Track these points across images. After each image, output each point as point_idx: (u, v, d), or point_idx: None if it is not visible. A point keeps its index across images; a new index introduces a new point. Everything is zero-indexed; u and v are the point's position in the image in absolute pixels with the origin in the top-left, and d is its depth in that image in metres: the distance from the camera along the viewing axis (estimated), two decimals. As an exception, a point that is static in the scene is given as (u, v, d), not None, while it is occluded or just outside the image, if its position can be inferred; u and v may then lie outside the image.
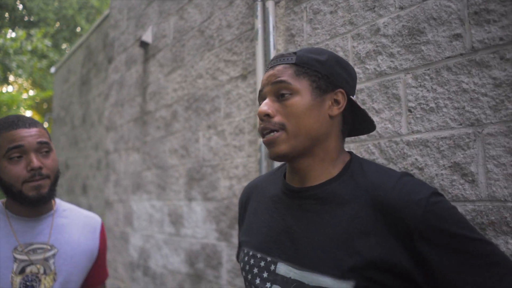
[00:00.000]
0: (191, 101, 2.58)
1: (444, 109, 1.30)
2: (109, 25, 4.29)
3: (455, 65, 1.28)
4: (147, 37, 3.01)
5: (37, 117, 14.89)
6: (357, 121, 0.94)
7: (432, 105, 1.33)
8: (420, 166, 1.37)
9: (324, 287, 0.76)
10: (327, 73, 0.86)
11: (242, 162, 2.14)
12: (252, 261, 0.91)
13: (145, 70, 3.18)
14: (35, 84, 15.48)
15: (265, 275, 0.87)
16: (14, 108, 9.02)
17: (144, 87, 3.18)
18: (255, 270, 0.89)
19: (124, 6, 3.67)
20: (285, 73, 0.85)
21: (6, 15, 13.63)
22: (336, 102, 0.87)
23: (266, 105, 0.85)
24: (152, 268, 2.96)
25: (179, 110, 2.70)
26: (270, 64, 0.90)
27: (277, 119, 0.84)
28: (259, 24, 1.97)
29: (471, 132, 1.23)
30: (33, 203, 1.19)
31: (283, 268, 0.84)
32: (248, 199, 1.05)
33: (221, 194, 2.29)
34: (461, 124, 1.26)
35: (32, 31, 9.65)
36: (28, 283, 1.21)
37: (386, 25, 1.47)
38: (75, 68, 7.51)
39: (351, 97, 0.89)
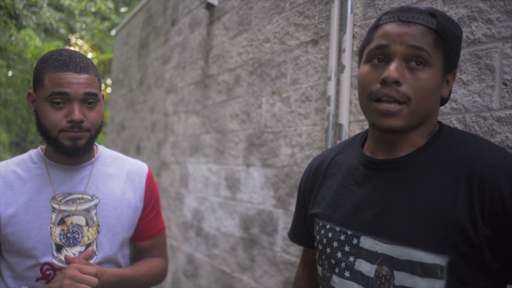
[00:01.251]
0: (256, 65, 2.54)
1: (548, 83, 1.18)
2: (172, -12, 4.29)
3: None
4: (213, -1, 2.97)
5: (95, 79, 15.47)
6: None
7: (534, 78, 1.21)
8: (511, 145, 1.26)
9: (417, 261, 0.72)
10: (457, 52, 0.79)
11: (307, 130, 2.09)
12: (330, 234, 0.88)
13: (209, 33, 3.16)
14: (94, 47, 16.04)
15: (347, 248, 0.84)
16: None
17: (208, 50, 3.17)
18: (335, 244, 0.86)
19: (190, -32, 3.64)
20: (425, 39, 0.74)
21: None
22: (447, 83, 0.81)
23: (397, 70, 0.74)
24: (205, 230, 3.03)
25: (242, 75, 2.68)
26: (402, 17, 0.76)
27: (405, 89, 0.74)
28: (336, -15, 1.87)
29: None
30: (68, 153, 1.10)
31: (368, 242, 0.80)
32: (316, 172, 1.00)
33: (281, 161, 2.26)
34: None
35: (96, -7, 9.93)
36: (69, 235, 1.14)
37: (486, -12, 1.34)
38: (135, 32, 7.66)
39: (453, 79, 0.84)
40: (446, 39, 0.76)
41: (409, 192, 0.78)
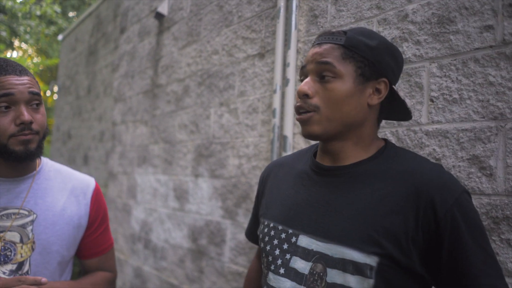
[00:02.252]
0: (205, 76, 2.56)
1: (468, 101, 1.29)
2: (122, -5, 4.23)
3: (483, 57, 1.26)
4: (163, 8, 2.97)
5: (41, 85, 14.82)
6: (394, 108, 0.93)
7: (456, 96, 1.32)
8: (437, 157, 1.36)
9: (348, 259, 0.77)
10: (375, 60, 0.84)
11: (254, 142, 2.14)
12: (272, 233, 0.92)
13: (158, 42, 3.15)
14: (39, 51, 15.35)
15: (285, 246, 0.88)
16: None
17: (157, 60, 3.15)
18: (275, 241, 0.90)
19: (140, -24, 3.61)
20: (332, 54, 0.83)
21: (15, -22, 13.43)
22: (378, 91, 0.86)
23: (306, 85, 0.84)
24: (153, 242, 2.98)
25: (191, 85, 2.69)
26: (317, 41, 0.88)
27: (313, 100, 0.83)
28: (281, 2, 1.94)
29: (494, 126, 1.22)
30: (19, 159, 1.05)
31: (304, 240, 0.85)
32: (270, 175, 1.05)
33: (229, 172, 2.29)
34: (484, 117, 1.25)
35: (42, -4, 9.53)
36: (1, 252, 1.07)
37: (415, 12, 1.44)
38: (83, 37, 7.44)
39: (393, 86, 0.88)
40: (356, 51, 0.83)
41: (349, 196, 0.83)
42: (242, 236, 2.16)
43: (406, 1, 1.48)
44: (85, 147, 6.70)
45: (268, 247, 0.91)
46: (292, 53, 1.88)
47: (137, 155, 3.34)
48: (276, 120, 1.92)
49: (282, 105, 1.93)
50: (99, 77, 6.40)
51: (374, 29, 1.57)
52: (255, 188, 2.10)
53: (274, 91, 1.95)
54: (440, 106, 1.36)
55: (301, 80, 0.89)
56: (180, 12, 2.89)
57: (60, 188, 1.20)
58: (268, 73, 2.08)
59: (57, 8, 8.92)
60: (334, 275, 0.78)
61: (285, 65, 1.93)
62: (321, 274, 0.80)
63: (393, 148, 0.89)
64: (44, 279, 1.01)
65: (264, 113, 2.09)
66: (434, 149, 1.37)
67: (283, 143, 1.89)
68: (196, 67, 2.65)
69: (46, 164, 1.23)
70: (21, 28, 9.40)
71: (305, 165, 0.95)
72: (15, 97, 1.02)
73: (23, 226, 1.11)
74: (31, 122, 1.03)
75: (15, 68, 1.05)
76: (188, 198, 2.63)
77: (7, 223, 1.09)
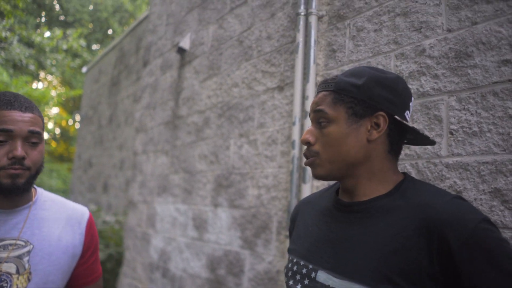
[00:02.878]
0: (225, 108, 2.62)
1: (488, 134, 1.30)
2: (146, 29, 4.40)
3: (502, 90, 1.28)
4: (185, 43, 3.08)
5: (64, 115, 15.27)
6: (411, 136, 0.94)
7: (475, 129, 1.33)
8: (458, 190, 1.36)
9: None
10: (364, 97, 0.87)
11: (273, 172, 2.16)
12: (295, 268, 0.94)
13: (180, 75, 3.25)
14: (64, 82, 15.89)
15: (306, 281, 0.90)
16: (43, 103, 9.28)
17: (178, 92, 3.24)
18: (298, 277, 0.92)
19: (163, 12, 3.77)
20: (324, 102, 0.90)
21: (43, 14, 14.11)
22: (377, 125, 0.87)
23: (308, 133, 0.91)
24: (172, 271, 2.99)
25: (211, 117, 2.75)
26: (317, 89, 0.95)
27: (315, 147, 0.90)
28: (300, 37, 2.00)
29: (515, 159, 1.22)
30: (5, 192, 1.07)
31: (323, 276, 0.87)
32: (298, 212, 1.08)
33: (248, 202, 2.30)
34: (504, 150, 1.25)
35: (68, 31, 9.95)
36: None
37: (432, 47, 1.48)
38: (106, 69, 7.71)
39: (396, 117, 0.88)
40: (344, 93, 0.88)
41: (364, 232, 0.85)
42: (260, 267, 2.15)
43: (423, 36, 1.52)
44: (106, 175, 6.82)
45: (291, 282, 0.94)
46: (311, 86, 1.93)
47: (157, 185, 3.39)
48: (295, 152, 1.95)
49: (301, 137, 1.96)
50: (120, 107, 6.58)
51: (392, 63, 1.61)
52: (274, 218, 2.11)
53: (293, 123, 1.98)
54: (460, 139, 1.37)
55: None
56: (201, 46, 2.99)
57: (56, 218, 1.21)
58: (287, 105, 2.12)
59: (83, 42, 9.32)
60: None
61: (304, 97, 1.97)
62: None
63: (411, 181, 0.89)
64: None
65: (283, 144, 2.12)
66: (455, 182, 1.37)
67: (302, 174, 1.91)
68: (216, 99, 2.72)
69: (42, 194, 1.25)
70: (48, 62, 9.80)
71: (329, 201, 0.98)
72: (13, 133, 1.05)
73: (20, 257, 1.11)
74: (23, 158, 1.05)
75: (22, 104, 1.09)
76: (207, 228, 2.65)
77: (4, 254, 1.09)
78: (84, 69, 9.41)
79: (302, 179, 1.90)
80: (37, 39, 7.99)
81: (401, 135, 0.91)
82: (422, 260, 0.76)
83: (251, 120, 2.37)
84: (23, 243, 1.13)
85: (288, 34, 2.18)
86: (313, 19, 1.96)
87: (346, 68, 1.80)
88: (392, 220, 0.82)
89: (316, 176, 0.91)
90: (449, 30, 1.44)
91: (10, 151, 1.05)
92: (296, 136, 1.97)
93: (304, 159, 1.90)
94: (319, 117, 0.89)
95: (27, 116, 1.08)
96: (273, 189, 2.14)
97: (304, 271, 0.91)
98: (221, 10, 2.83)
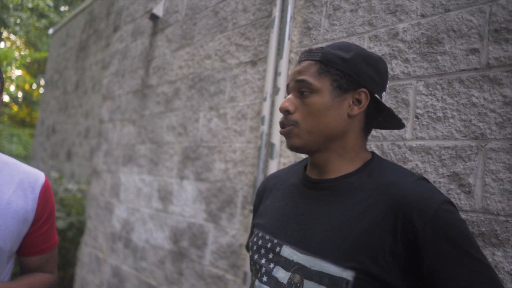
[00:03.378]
0: (196, 80, 2.57)
1: (451, 120, 1.34)
2: (117, -6, 4.22)
3: (468, 78, 1.31)
4: (158, 10, 2.98)
5: (27, 78, 14.61)
6: (383, 118, 0.95)
7: (440, 114, 1.37)
8: (419, 172, 1.40)
9: (326, 272, 0.79)
10: (351, 71, 0.87)
11: (241, 147, 2.16)
12: (260, 242, 0.95)
13: (151, 43, 3.16)
14: (28, 44, 15.14)
15: (270, 256, 0.91)
16: (4, 64, 8.80)
17: (149, 61, 3.15)
18: (262, 251, 0.93)
19: (136, -24, 3.62)
20: (308, 71, 0.88)
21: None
22: (358, 101, 0.88)
23: (287, 101, 0.89)
24: (134, 241, 2.97)
25: (182, 88, 2.70)
26: (299, 59, 0.93)
27: (293, 116, 0.88)
28: (276, 12, 1.97)
29: (474, 145, 1.27)
30: None
31: (287, 251, 0.87)
32: (266, 188, 1.08)
33: (215, 176, 2.30)
34: (465, 136, 1.30)
35: (34, -11, 9.44)
36: None
37: (405, 31, 1.49)
38: (74, 33, 7.38)
39: (376, 95, 0.89)
40: (331, 65, 0.87)
41: (331, 209, 0.86)
42: (224, 240, 2.17)
43: (397, 19, 1.53)
44: (69, 142, 6.63)
45: (256, 256, 0.94)
46: (284, 62, 1.92)
47: (122, 154, 3.32)
48: (265, 128, 1.95)
49: (271, 113, 1.96)
50: (88, 74, 6.35)
51: (365, 45, 1.62)
52: (240, 193, 2.12)
53: (264, 99, 1.98)
54: (424, 123, 1.41)
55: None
56: (175, 15, 2.91)
57: (7, 181, 1.15)
58: (259, 80, 2.11)
59: (50, 1, 8.84)
60: (310, 287, 0.80)
61: (276, 73, 1.96)
62: (298, 284, 0.82)
63: (379, 161, 0.91)
64: None
65: (253, 119, 2.11)
66: (416, 164, 1.41)
67: (270, 150, 1.91)
68: (188, 70, 2.67)
69: None
70: (11, 19, 9.27)
71: (296, 178, 0.98)
72: None
73: None
74: None
75: None
76: (172, 200, 2.63)
77: None
78: (50, 31, 8.97)
79: (269, 155, 1.91)
80: (0, -6, 7.54)
81: (377, 115, 0.93)
82: (387, 239, 0.77)
83: (222, 94, 2.35)
84: None
85: (265, 8, 2.15)
86: (290, -6, 1.93)
87: (320, 46, 1.80)
88: (360, 198, 0.84)
89: (291, 147, 0.90)
90: (422, 15, 1.45)
91: None
92: (266, 111, 1.96)
93: (274, 134, 1.91)
94: (301, 86, 0.88)
95: None
96: (240, 163, 2.14)
97: (269, 245, 0.92)
98: (197, -22, 2.74)
